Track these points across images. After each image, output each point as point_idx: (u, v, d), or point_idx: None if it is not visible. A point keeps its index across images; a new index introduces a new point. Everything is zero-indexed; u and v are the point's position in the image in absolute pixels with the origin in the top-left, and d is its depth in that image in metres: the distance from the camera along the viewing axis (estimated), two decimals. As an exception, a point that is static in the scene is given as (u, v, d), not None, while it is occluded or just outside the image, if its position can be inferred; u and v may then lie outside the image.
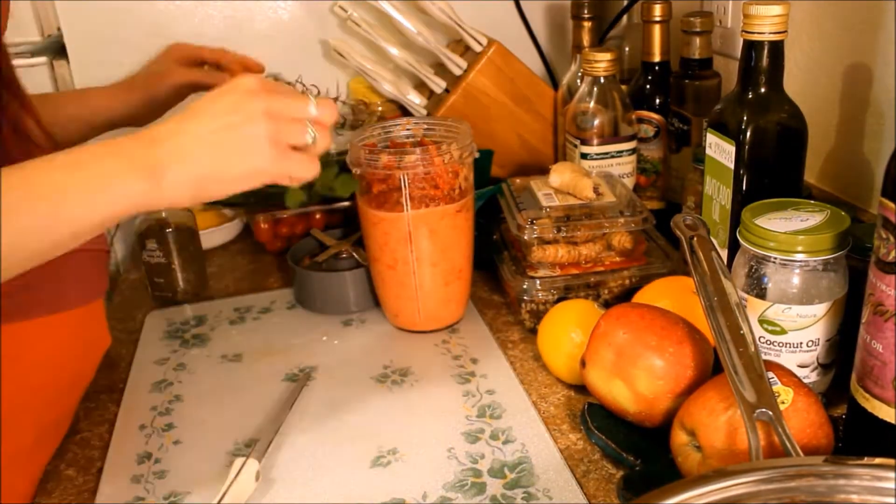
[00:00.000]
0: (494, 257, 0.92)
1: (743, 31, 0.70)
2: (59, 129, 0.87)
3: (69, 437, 0.73)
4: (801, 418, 0.56)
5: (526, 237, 0.83)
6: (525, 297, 0.83)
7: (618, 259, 0.84)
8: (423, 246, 0.82)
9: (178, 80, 0.94)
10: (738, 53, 0.73)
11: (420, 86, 1.18)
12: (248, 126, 0.57)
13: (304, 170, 0.60)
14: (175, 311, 0.96)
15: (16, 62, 1.16)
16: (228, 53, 0.97)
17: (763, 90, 0.71)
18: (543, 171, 0.93)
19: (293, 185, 0.61)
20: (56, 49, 1.20)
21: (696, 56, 0.95)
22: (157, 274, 0.95)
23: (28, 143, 0.67)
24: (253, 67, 0.97)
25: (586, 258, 0.84)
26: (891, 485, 0.44)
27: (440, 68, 1.16)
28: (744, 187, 0.73)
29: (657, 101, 1.01)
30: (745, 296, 0.66)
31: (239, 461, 0.65)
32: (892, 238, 0.53)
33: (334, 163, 1.04)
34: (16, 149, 0.65)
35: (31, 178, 0.52)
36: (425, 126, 0.88)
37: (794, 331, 0.65)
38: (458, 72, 1.12)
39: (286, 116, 0.58)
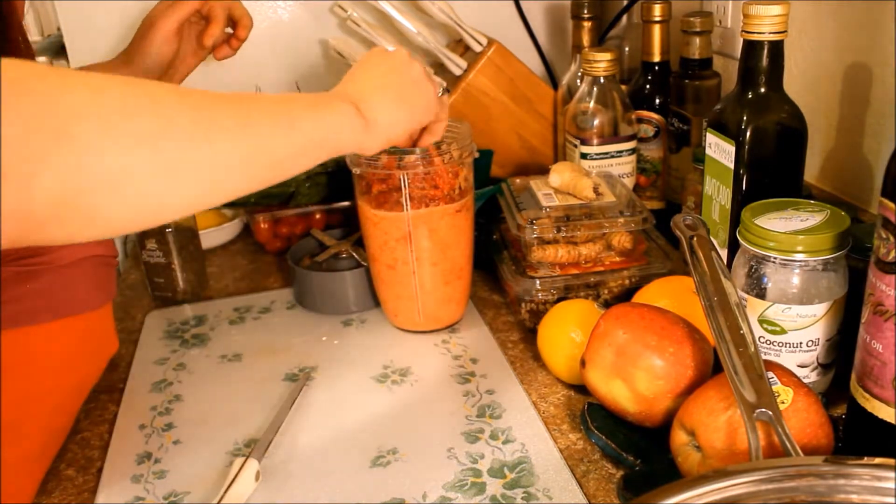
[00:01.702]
0: (494, 257, 0.92)
1: (743, 31, 0.70)
2: None
3: (69, 437, 0.73)
4: (801, 418, 0.56)
5: (526, 237, 0.83)
6: (525, 297, 0.83)
7: (618, 259, 0.84)
8: (423, 246, 0.82)
9: (165, 29, 0.86)
10: (738, 53, 0.73)
11: (420, 86, 1.18)
12: (407, 67, 0.66)
13: (445, 113, 0.72)
14: (175, 311, 0.96)
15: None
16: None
17: (763, 90, 0.71)
18: (543, 171, 0.93)
19: (434, 136, 0.72)
20: (56, 49, 1.20)
21: (696, 56, 0.95)
22: (157, 274, 0.96)
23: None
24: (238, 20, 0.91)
25: (586, 258, 0.84)
26: (891, 485, 0.44)
27: (440, 68, 1.16)
28: (744, 187, 0.73)
29: (657, 101, 1.01)
30: (745, 296, 0.66)
31: (239, 461, 0.65)
32: (892, 238, 0.53)
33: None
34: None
35: (267, 103, 0.53)
36: (425, 126, 0.88)
37: (794, 331, 0.65)
38: (458, 72, 1.12)
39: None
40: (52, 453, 0.70)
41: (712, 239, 0.67)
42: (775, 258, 0.64)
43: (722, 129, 0.73)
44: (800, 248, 0.63)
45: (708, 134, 0.76)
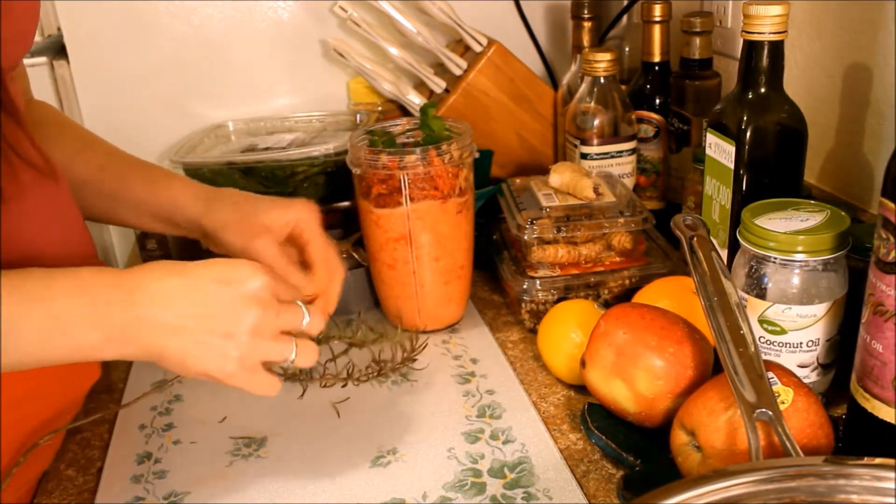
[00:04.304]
0: (494, 257, 0.92)
1: (743, 31, 0.70)
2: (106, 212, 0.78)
3: (69, 437, 0.73)
4: (801, 418, 0.56)
5: (526, 237, 0.83)
6: (525, 297, 0.83)
7: (618, 259, 0.84)
8: (422, 246, 0.82)
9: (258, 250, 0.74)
10: (738, 53, 0.73)
11: (420, 86, 1.18)
12: (224, 341, 0.55)
13: (262, 390, 0.58)
14: (175, 311, 0.95)
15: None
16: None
17: (763, 90, 0.71)
18: (543, 171, 0.93)
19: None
20: (56, 49, 1.20)
21: (696, 56, 0.95)
22: (157, 274, 0.95)
23: (28, 169, 0.61)
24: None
25: (586, 258, 0.84)
26: (891, 485, 0.44)
27: (440, 68, 1.16)
28: (744, 187, 0.73)
29: (657, 101, 1.01)
30: (745, 296, 0.66)
31: None
32: (892, 238, 0.53)
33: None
34: (11, 175, 0.59)
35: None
36: (425, 126, 0.88)
37: (794, 331, 0.65)
38: (458, 72, 1.12)
39: (271, 333, 0.56)
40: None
41: (712, 239, 0.67)
42: (775, 258, 0.64)
43: (722, 129, 0.73)
44: (800, 248, 0.63)
45: (708, 134, 0.76)
